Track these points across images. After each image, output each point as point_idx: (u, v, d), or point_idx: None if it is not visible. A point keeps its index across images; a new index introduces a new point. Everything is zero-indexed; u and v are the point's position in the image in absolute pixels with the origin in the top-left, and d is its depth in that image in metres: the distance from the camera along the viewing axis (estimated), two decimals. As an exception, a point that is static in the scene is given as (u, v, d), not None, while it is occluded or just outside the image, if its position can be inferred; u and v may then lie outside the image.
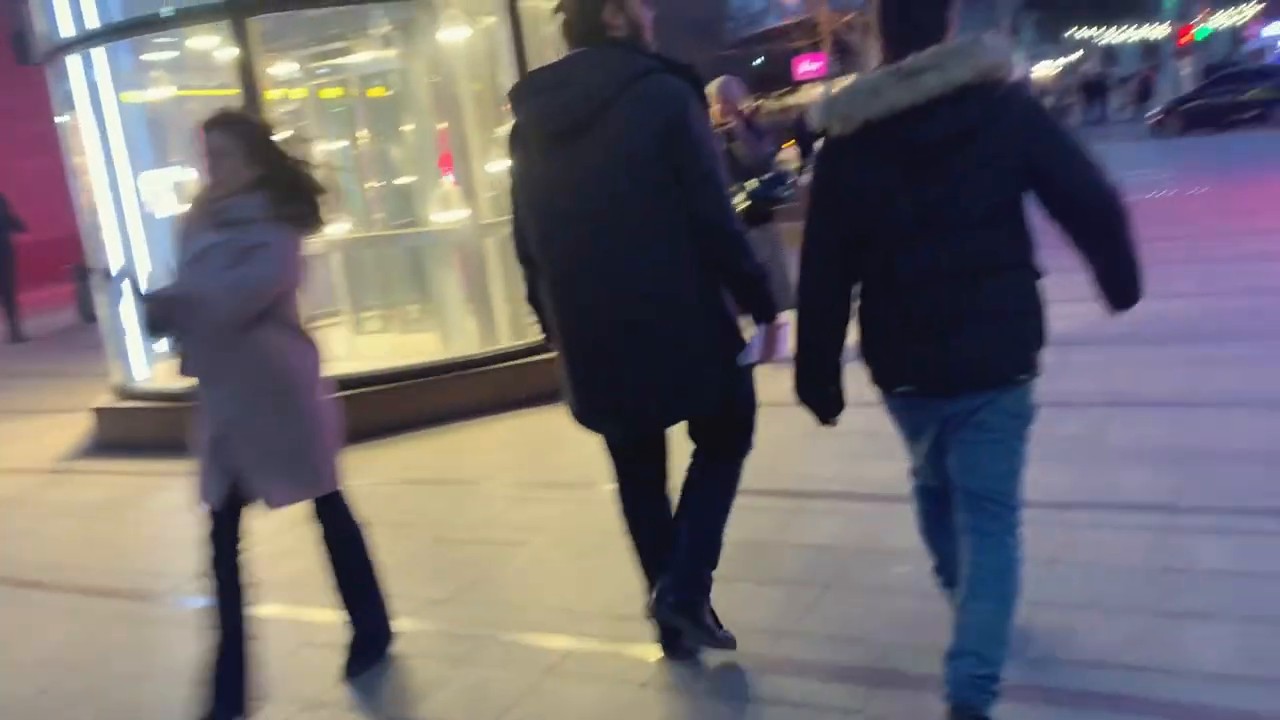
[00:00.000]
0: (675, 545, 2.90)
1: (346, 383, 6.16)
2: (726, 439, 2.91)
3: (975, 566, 2.40)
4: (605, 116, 2.56)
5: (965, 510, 2.46)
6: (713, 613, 2.97)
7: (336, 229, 7.54)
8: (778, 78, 41.84)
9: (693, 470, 2.94)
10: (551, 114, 2.64)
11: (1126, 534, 3.41)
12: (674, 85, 2.60)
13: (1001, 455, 2.44)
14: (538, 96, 2.69)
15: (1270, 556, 3.12)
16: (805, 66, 33.95)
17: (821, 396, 2.60)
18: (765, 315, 2.78)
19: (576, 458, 4.99)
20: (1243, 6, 42.30)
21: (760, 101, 50.16)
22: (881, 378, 2.51)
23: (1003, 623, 2.35)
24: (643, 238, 2.61)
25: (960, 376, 2.37)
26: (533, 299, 2.94)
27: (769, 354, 2.88)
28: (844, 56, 34.58)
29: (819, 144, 2.51)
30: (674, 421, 2.84)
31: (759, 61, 46.85)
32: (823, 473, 4.34)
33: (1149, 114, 27.02)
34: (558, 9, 2.72)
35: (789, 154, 17.96)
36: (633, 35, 2.68)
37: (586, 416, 2.84)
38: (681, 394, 2.71)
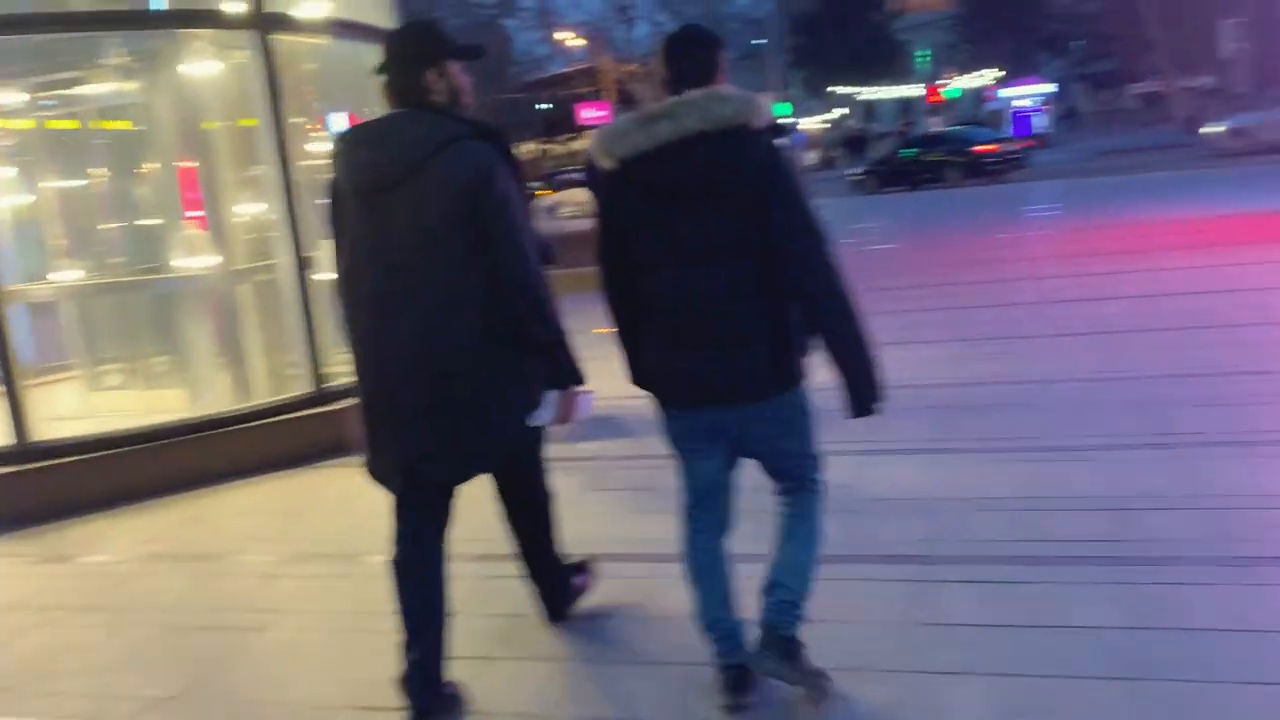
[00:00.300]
0: (550, 603, 3.37)
1: (82, 445, 5.58)
2: (526, 489, 3.18)
3: (784, 519, 2.81)
4: (417, 177, 2.66)
5: (775, 491, 2.83)
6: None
7: (68, 275, 6.86)
8: (563, 123, 42.42)
9: (518, 528, 3.23)
10: (366, 170, 2.74)
11: (885, 587, 3.45)
12: (483, 150, 2.72)
13: (790, 453, 2.76)
14: (356, 151, 2.78)
15: (1015, 606, 3.21)
16: (589, 113, 34.62)
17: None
18: (559, 382, 2.85)
19: (337, 526, 4.65)
20: (984, 71, 46.66)
21: (546, 146, 50.88)
22: (659, 394, 2.74)
23: (808, 561, 2.75)
24: (450, 294, 2.71)
25: (726, 391, 2.61)
26: None
27: (563, 418, 2.90)
28: (628, 104, 35.45)
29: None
30: (471, 472, 2.88)
31: (545, 106, 47.44)
32: (596, 532, 4.20)
33: (849, 172, 29.28)
34: (380, 70, 2.82)
35: (567, 196, 18.06)
36: (451, 100, 2.82)
37: (382, 468, 2.87)
38: (480, 445, 2.81)
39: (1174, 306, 7.35)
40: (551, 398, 2.83)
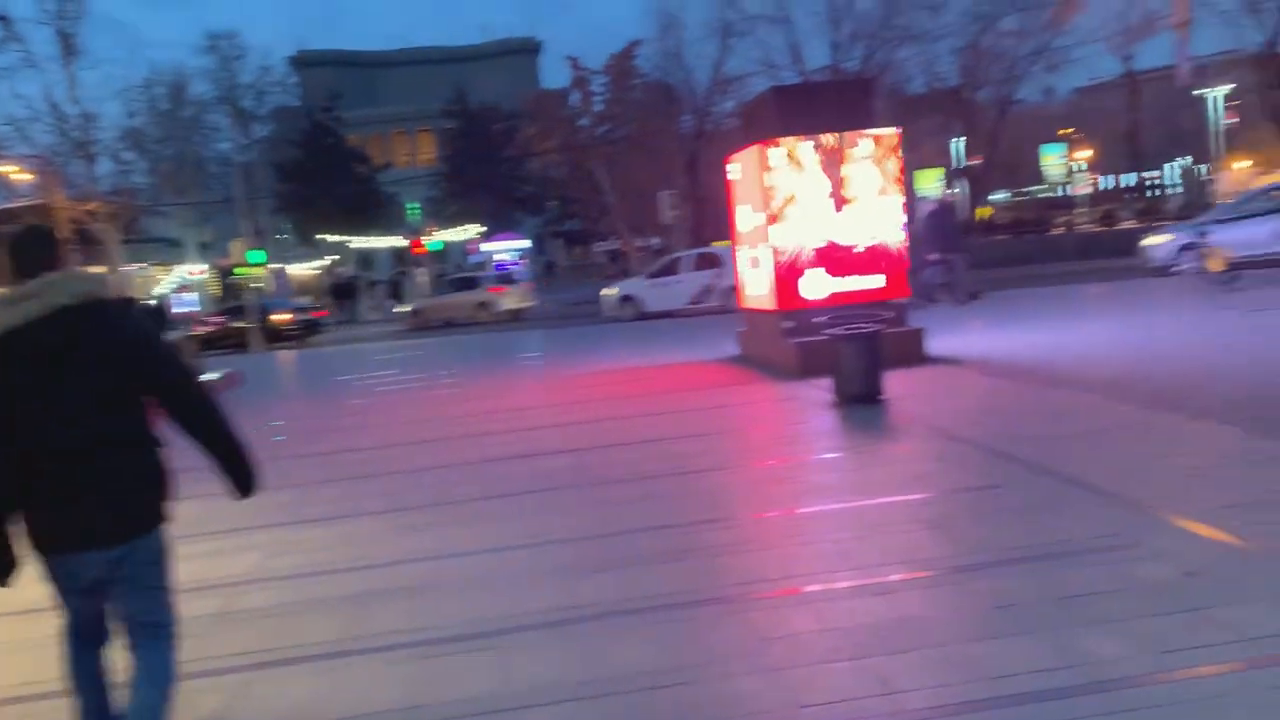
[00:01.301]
0: None
1: None
2: None
3: (141, 667, 3.03)
4: None
5: (130, 635, 3.07)
6: None
7: None
8: (7, 264, 37.05)
9: None
10: None
11: None
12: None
13: (149, 594, 3.06)
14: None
15: None
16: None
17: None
18: None
19: None
20: (467, 226, 49.28)
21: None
22: (37, 541, 2.95)
23: (163, 705, 3.02)
24: None
25: (95, 534, 2.90)
26: None
27: None
28: (89, 244, 31.85)
29: None
30: None
31: (-19, 244, 41.21)
32: None
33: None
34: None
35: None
36: None
37: None
38: None
39: (594, 460, 7.61)
40: None
